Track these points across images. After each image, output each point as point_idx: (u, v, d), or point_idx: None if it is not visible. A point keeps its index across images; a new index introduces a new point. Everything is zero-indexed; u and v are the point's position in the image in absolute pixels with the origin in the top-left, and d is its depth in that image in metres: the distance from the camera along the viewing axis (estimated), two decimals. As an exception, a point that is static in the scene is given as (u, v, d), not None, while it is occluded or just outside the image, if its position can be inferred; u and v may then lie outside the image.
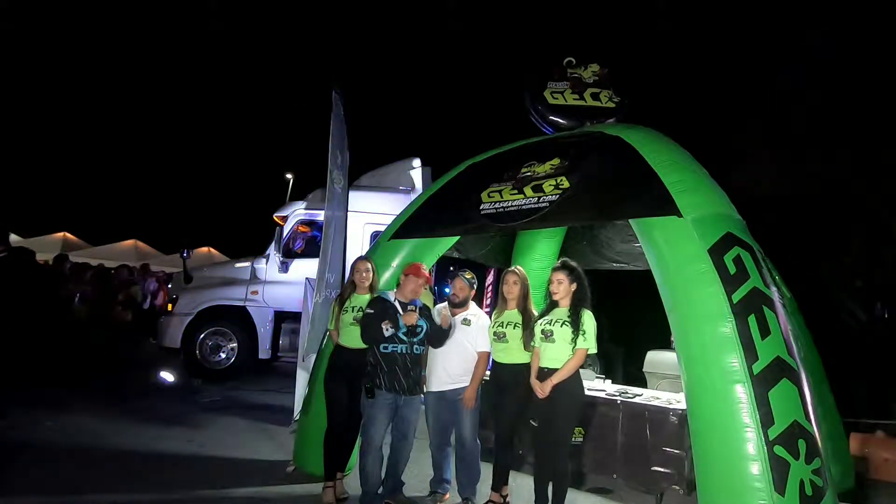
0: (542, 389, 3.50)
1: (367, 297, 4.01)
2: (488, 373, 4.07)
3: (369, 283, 4.06)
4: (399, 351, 3.75)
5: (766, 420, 2.75)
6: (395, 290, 3.99)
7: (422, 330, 3.84)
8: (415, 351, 3.83)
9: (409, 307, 3.84)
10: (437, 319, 3.91)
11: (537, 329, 3.65)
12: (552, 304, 3.71)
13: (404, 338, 3.77)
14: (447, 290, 4.29)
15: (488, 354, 3.99)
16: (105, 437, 5.02)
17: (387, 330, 3.68)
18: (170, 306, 8.63)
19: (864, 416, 6.17)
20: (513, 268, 4.08)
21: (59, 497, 3.74)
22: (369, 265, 4.11)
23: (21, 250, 6.86)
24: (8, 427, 5.04)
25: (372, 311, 3.76)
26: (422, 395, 4.01)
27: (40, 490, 3.78)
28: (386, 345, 3.74)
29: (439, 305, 4.23)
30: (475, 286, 4.15)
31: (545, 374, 3.54)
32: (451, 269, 4.22)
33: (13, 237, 13.38)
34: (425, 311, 3.96)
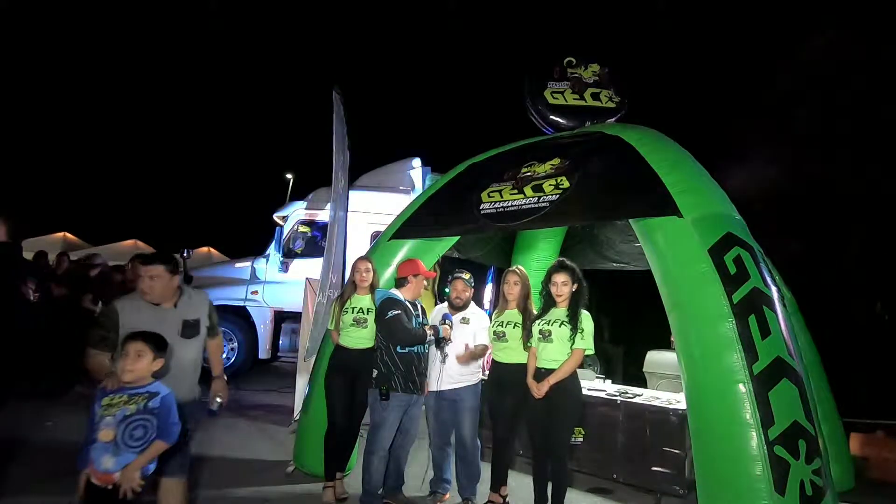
0: (539, 390, 3.50)
1: (368, 297, 4.00)
2: (488, 373, 4.08)
3: (369, 282, 4.05)
4: (415, 351, 3.75)
5: (766, 420, 2.74)
6: (394, 288, 3.98)
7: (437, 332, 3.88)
8: (426, 350, 3.85)
9: (446, 321, 3.90)
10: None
11: (535, 329, 3.65)
12: (549, 305, 3.71)
13: None
14: (447, 290, 4.29)
15: (486, 347, 4.01)
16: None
17: (430, 337, 3.72)
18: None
19: (864, 416, 6.18)
20: (514, 267, 4.08)
21: (58, 497, 3.72)
22: (369, 265, 4.10)
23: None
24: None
25: (399, 312, 3.69)
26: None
27: (39, 490, 3.77)
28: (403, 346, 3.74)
29: (438, 307, 4.24)
30: (472, 285, 4.17)
31: (542, 374, 3.55)
32: (457, 270, 4.24)
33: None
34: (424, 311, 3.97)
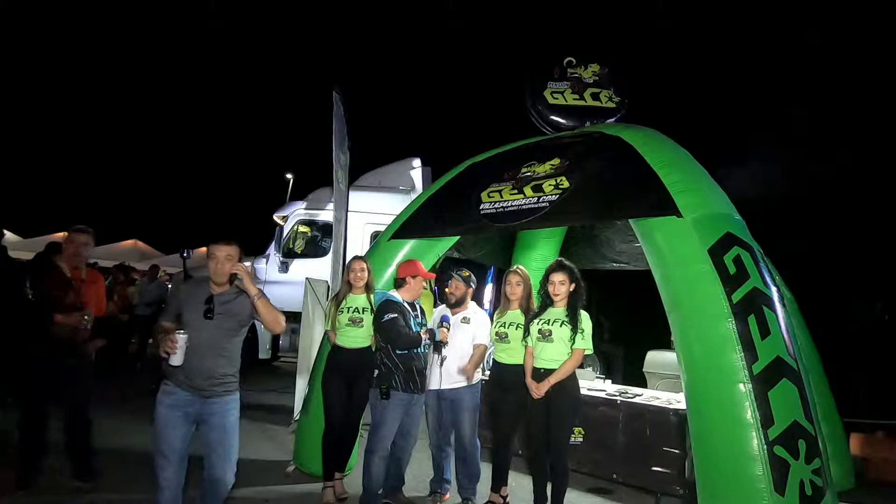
0: (539, 390, 3.50)
1: (363, 297, 4.00)
2: (488, 372, 4.07)
3: (364, 282, 4.04)
4: (415, 352, 3.75)
5: (766, 420, 2.74)
6: (393, 290, 3.97)
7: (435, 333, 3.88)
8: (426, 350, 3.85)
9: (443, 323, 3.91)
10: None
11: (533, 329, 3.65)
12: (546, 304, 3.71)
13: None
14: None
15: (486, 347, 4.00)
16: (105, 437, 5.00)
17: (426, 340, 3.73)
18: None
19: (864, 416, 6.18)
20: (515, 268, 4.06)
21: (58, 497, 3.73)
22: (364, 265, 4.08)
23: None
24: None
25: (395, 315, 3.70)
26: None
27: (38, 490, 3.77)
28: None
29: (438, 309, 4.23)
30: (473, 284, 4.13)
31: (542, 374, 3.54)
32: (455, 269, 4.22)
33: (10, 236, 13.27)
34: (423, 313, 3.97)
